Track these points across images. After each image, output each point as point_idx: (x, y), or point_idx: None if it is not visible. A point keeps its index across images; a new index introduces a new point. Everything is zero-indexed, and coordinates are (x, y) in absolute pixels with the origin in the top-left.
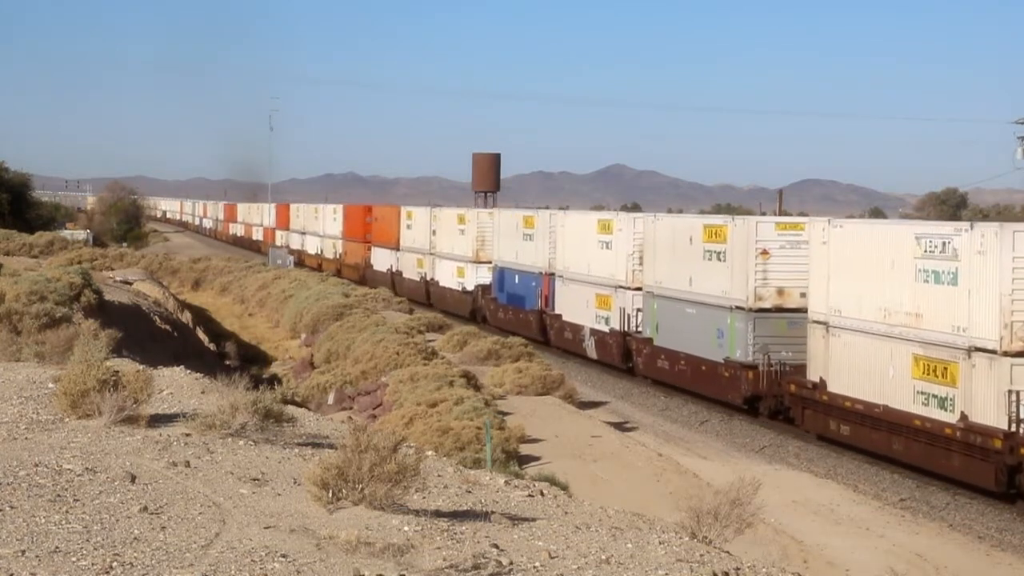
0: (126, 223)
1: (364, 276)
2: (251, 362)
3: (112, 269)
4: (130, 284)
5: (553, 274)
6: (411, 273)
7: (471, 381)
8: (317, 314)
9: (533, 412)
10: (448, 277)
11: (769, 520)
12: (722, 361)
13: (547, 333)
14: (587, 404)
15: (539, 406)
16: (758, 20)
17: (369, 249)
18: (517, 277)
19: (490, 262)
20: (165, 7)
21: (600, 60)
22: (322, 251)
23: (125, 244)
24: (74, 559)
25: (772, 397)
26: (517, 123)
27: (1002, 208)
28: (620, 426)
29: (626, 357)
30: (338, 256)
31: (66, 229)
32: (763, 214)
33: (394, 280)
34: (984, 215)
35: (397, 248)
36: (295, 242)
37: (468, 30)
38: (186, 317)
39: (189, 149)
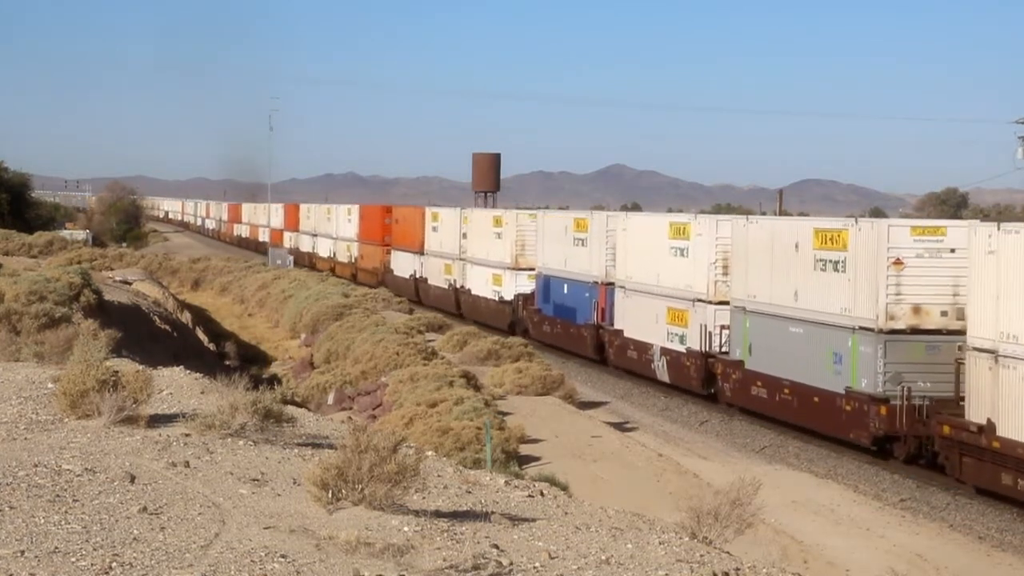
0: (126, 223)
1: (383, 281)
2: (251, 362)
3: (112, 269)
4: (130, 284)
5: (612, 284)
6: (437, 280)
7: (471, 381)
8: (317, 314)
9: (533, 412)
10: (482, 285)
11: (769, 520)
12: (842, 392)
13: (604, 351)
14: (587, 404)
15: (539, 406)
16: (758, 20)
17: (388, 253)
18: (566, 287)
19: (532, 269)
20: (165, 7)
21: (600, 60)
22: (335, 254)
23: (125, 244)
24: (73, 559)
25: (913, 438)
26: (517, 123)
27: (1002, 208)
28: (620, 426)
29: (708, 381)
30: (353, 260)
31: (65, 229)
32: (763, 214)
33: (418, 287)
34: (984, 215)
35: (421, 252)
36: (305, 244)
37: (468, 30)
38: (186, 317)
39: (189, 149)
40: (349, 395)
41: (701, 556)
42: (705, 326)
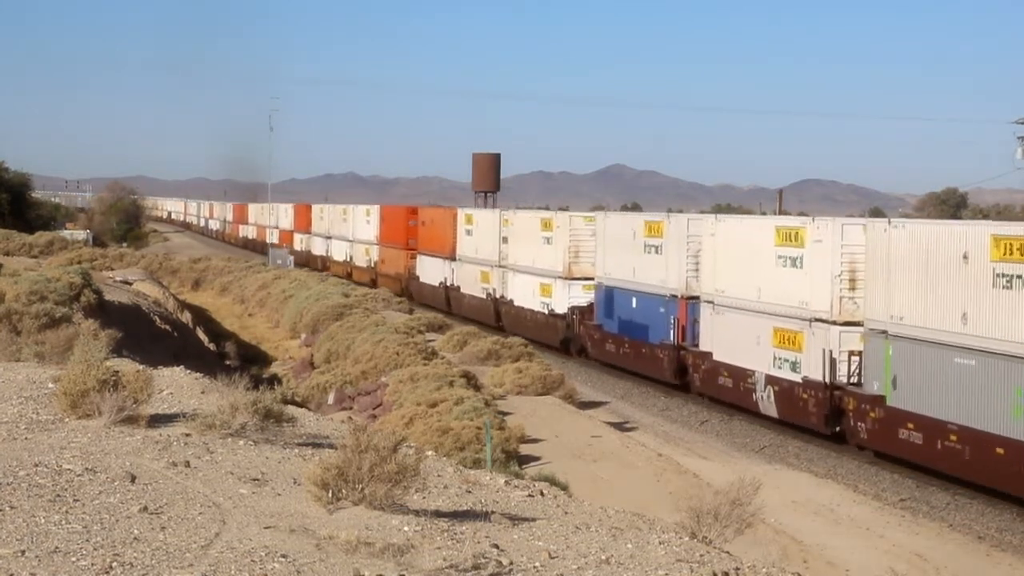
0: (126, 223)
1: (407, 288)
2: (251, 362)
3: (112, 269)
4: (130, 284)
5: (696, 298)
6: (472, 288)
7: (471, 381)
8: (317, 314)
9: (533, 412)
10: (527, 296)
11: (769, 520)
12: None
13: (687, 375)
14: (587, 404)
15: (539, 406)
16: (758, 20)
17: (413, 257)
18: (635, 300)
19: (588, 279)
20: (165, 7)
21: (600, 60)
22: (352, 258)
23: (125, 244)
24: (74, 559)
25: None
26: (517, 123)
27: (1002, 208)
28: (620, 426)
29: (832, 418)
30: (372, 264)
31: (65, 229)
32: (763, 214)
33: (449, 296)
34: (984, 215)
35: (452, 258)
36: (318, 247)
37: (468, 30)
38: (186, 317)
39: (189, 149)
40: (349, 395)
41: (701, 556)
42: (828, 351)
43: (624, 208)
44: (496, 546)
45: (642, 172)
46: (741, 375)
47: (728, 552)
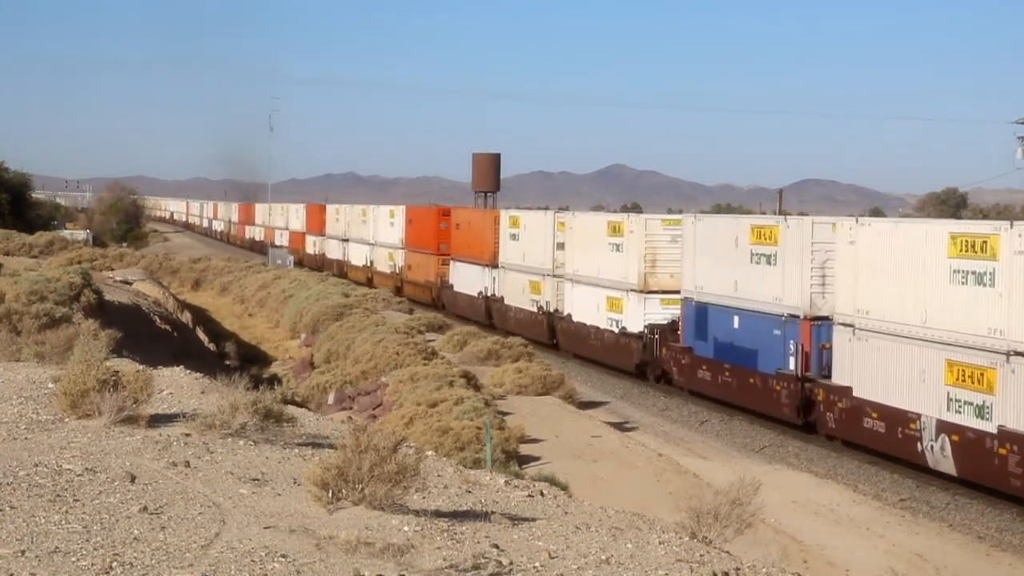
0: (126, 223)
1: (439, 297)
2: (251, 362)
3: (112, 269)
4: (130, 284)
5: (824, 319)
6: (519, 300)
7: (471, 381)
8: (317, 314)
9: (533, 412)
10: (590, 311)
11: (769, 520)
12: None
13: (814, 412)
14: (587, 404)
15: (539, 406)
16: (758, 20)
17: (446, 264)
18: (738, 319)
19: (668, 292)
20: (165, 7)
21: (600, 60)
22: (373, 263)
23: (125, 244)
24: (74, 559)
25: None
26: (517, 123)
27: (1002, 208)
28: (620, 426)
29: None
30: (397, 271)
31: (65, 229)
32: (763, 214)
33: (490, 308)
34: (984, 215)
35: (493, 265)
36: (333, 251)
37: (468, 30)
38: (186, 317)
39: (189, 149)
40: (349, 395)
41: (701, 556)
42: None
43: (624, 208)
44: (496, 546)
45: (642, 172)
46: (899, 419)
47: (728, 552)
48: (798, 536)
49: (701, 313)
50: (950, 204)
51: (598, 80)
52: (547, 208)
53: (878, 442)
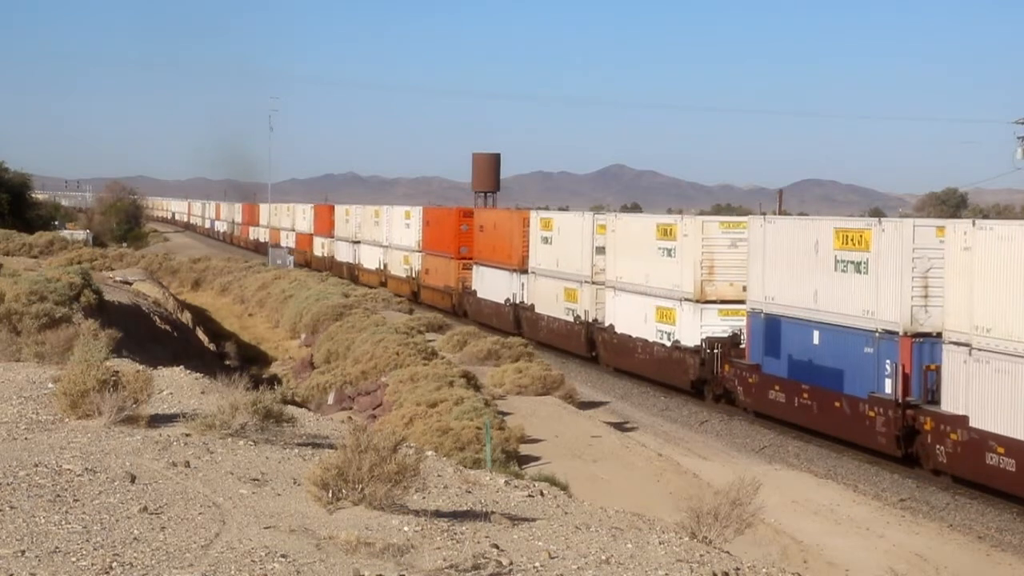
0: (126, 223)
1: (460, 304)
2: (251, 362)
3: (112, 269)
4: (130, 284)
5: (927, 336)
6: (552, 308)
7: (471, 381)
8: (317, 314)
9: (533, 412)
10: (636, 322)
11: (769, 520)
12: None
13: (917, 443)
14: (587, 404)
15: (539, 406)
16: (758, 20)
17: (467, 268)
18: (818, 334)
19: (729, 302)
20: (165, 7)
21: (600, 60)
22: (386, 267)
23: (125, 244)
24: (74, 559)
25: None
26: (517, 123)
27: (1002, 208)
28: (620, 426)
29: None
30: (414, 275)
31: (66, 229)
32: (763, 214)
33: (519, 317)
34: (984, 215)
35: (522, 270)
36: (343, 253)
37: (468, 30)
38: (186, 317)
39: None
40: (349, 395)
41: (701, 556)
42: None
43: (624, 208)
44: (496, 546)
45: (642, 172)
46: None
47: (728, 552)
48: (798, 536)
49: (772, 327)
50: (950, 204)
51: (598, 80)
52: (547, 208)
53: (1007, 482)
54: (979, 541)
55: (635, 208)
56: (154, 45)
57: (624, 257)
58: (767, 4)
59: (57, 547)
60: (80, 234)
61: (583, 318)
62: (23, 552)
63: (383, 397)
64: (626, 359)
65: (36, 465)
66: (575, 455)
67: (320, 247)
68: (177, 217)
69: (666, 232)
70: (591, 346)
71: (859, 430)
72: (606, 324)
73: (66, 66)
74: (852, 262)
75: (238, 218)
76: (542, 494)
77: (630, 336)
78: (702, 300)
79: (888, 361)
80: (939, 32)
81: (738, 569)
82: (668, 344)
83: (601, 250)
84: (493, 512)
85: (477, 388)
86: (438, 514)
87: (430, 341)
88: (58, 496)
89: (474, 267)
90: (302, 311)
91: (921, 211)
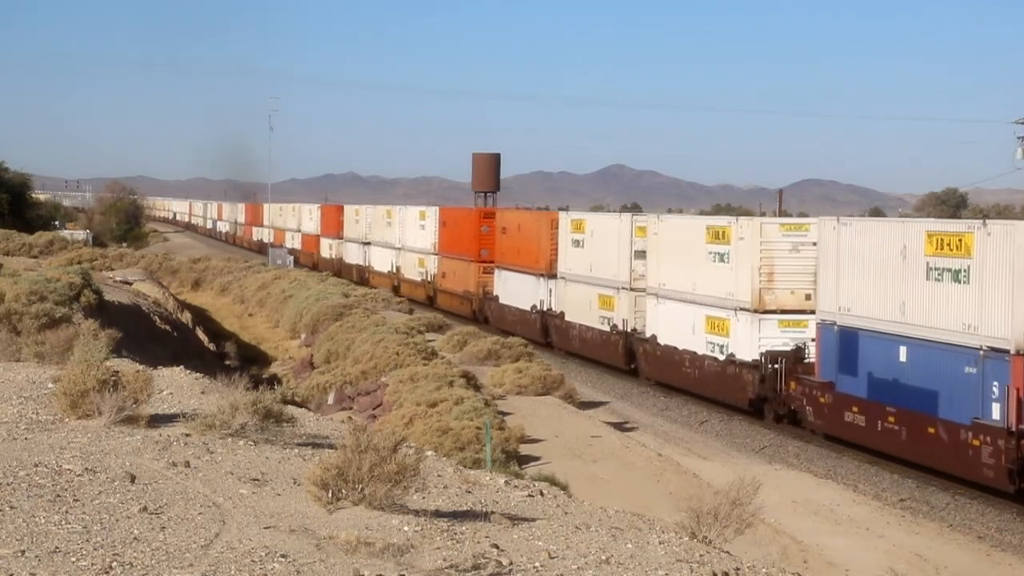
0: (126, 223)
1: (481, 310)
2: (251, 362)
3: (112, 269)
4: (130, 284)
5: None
6: (585, 317)
7: (471, 381)
8: (317, 314)
9: (533, 412)
10: (683, 333)
11: (769, 520)
12: None
13: None
14: (587, 404)
15: (539, 406)
16: (758, 20)
17: (488, 272)
18: (905, 351)
19: (791, 312)
20: (165, 7)
21: (600, 60)
22: (399, 269)
23: (125, 244)
24: (74, 559)
25: None
26: (517, 123)
27: (1002, 208)
28: (620, 426)
29: None
30: (429, 278)
31: (66, 229)
32: (763, 214)
33: (547, 325)
34: (984, 215)
35: (550, 275)
36: (352, 255)
37: (468, 30)
38: (186, 317)
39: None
40: (349, 395)
41: (701, 556)
42: None
43: (624, 208)
44: (496, 546)
45: (642, 172)
46: None
47: (728, 552)
48: (798, 536)
49: (848, 341)
50: (950, 204)
51: (598, 80)
52: (547, 208)
53: None
54: (979, 541)
55: (635, 208)
56: (154, 45)
57: (668, 262)
58: (767, 4)
59: (57, 547)
60: (80, 234)
61: (621, 327)
62: (23, 552)
63: (383, 397)
64: (671, 373)
65: (36, 465)
66: (575, 455)
67: (328, 249)
68: (178, 217)
69: (718, 235)
70: (630, 358)
71: (959, 461)
72: (647, 334)
73: (66, 66)
74: (949, 270)
75: (241, 218)
76: (542, 494)
77: (675, 348)
78: (760, 310)
79: (996, 383)
80: (939, 32)
81: (738, 569)
82: (721, 358)
83: (641, 254)
84: (493, 512)
85: (477, 388)
86: (438, 514)
87: (430, 341)
88: (58, 496)
89: (496, 271)
90: (302, 311)
91: (921, 211)
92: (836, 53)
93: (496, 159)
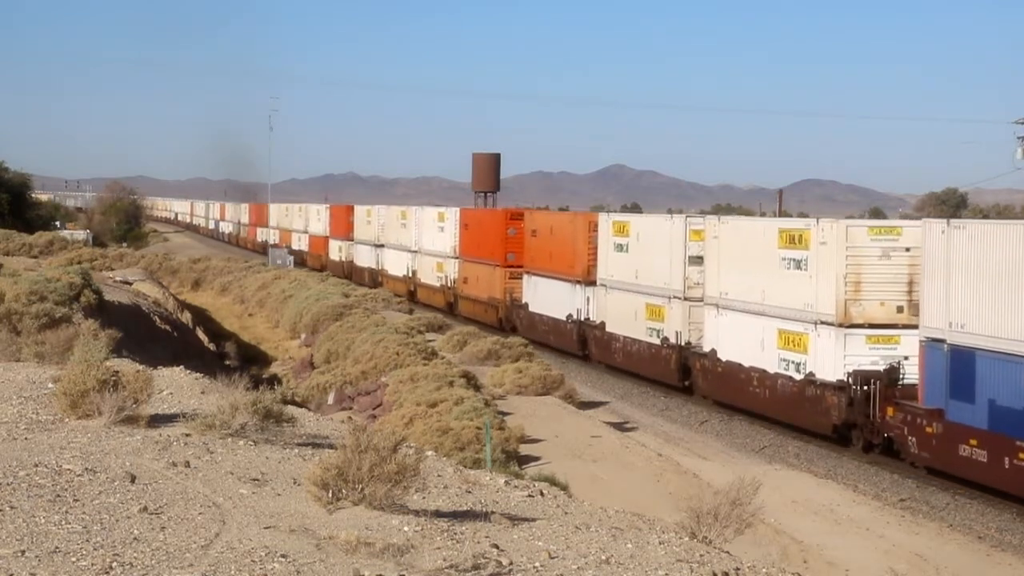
0: (126, 223)
1: (508, 318)
2: (251, 362)
3: (112, 269)
4: (130, 284)
5: None
6: (630, 328)
7: (471, 381)
8: (317, 314)
9: (533, 412)
10: (749, 348)
11: (769, 520)
12: None
13: None
14: (587, 404)
15: (539, 406)
16: (758, 20)
17: (516, 278)
18: None
19: (885, 327)
20: (165, 7)
21: (600, 60)
22: (415, 274)
23: (125, 244)
24: (74, 559)
25: None
26: (517, 123)
27: (1002, 208)
28: (620, 426)
29: None
30: (449, 283)
31: (65, 229)
32: (763, 214)
33: (585, 336)
34: (984, 215)
35: (587, 282)
36: (364, 257)
37: (468, 30)
38: (186, 317)
39: (189, 149)
40: (349, 395)
41: (701, 556)
42: None
43: (624, 208)
44: (496, 546)
45: (642, 172)
46: None
47: (728, 552)
48: (798, 536)
49: (961, 362)
50: (950, 204)
51: (598, 80)
52: (547, 208)
53: None
54: (979, 541)
55: (635, 208)
56: (154, 45)
57: (731, 269)
58: (767, 4)
59: (57, 547)
60: (80, 234)
61: (673, 340)
62: (23, 552)
63: (383, 397)
64: (734, 392)
65: (36, 465)
66: (575, 455)
67: (337, 251)
68: (179, 217)
69: (793, 239)
70: (684, 374)
71: None
72: (705, 349)
73: (66, 66)
74: None
75: (245, 219)
76: (542, 494)
77: (740, 365)
78: (846, 324)
79: None
80: (939, 32)
81: (738, 569)
82: (798, 377)
83: (697, 260)
84: (493, 512)
85: (477, 388)
86: (438, 514)
87: (430, 341)
88: (58, 496)
89: (525, 277)
90: (302, 311)
91: (921, 211)
92: (836, 53)
93: (496, 159)
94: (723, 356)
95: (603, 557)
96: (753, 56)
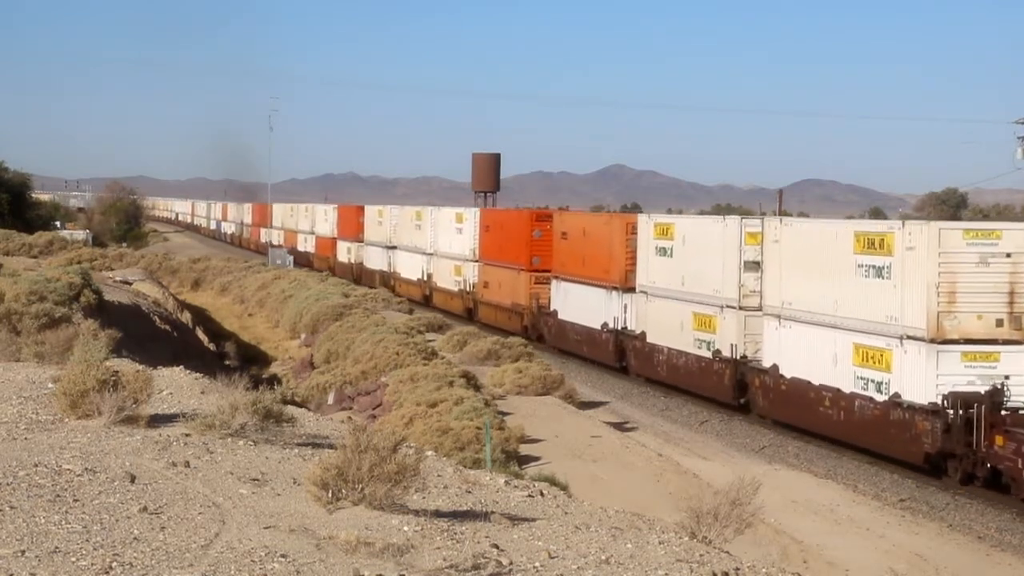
0: (126, 223)
1: (534, 326)
2: (251, 362)
3: (112, 269)
4: (130, 284)
5: None
6: (675, 339)
7: (471, 381)
8: (317, 314)
9: (533, 412)
10: (818, 365)
11: (769, 520)
12: None
13: None
14: (587, 404)
15: (539, 406)
16: (758, 20)
17: (543, 283)
18: None
19: (983, 342)
20: (165, 7)
21: (600, 60)
22: (431, 277)
23: (125, 244)
24: (74, 559)
25: None
26: (517, 123)
27: (1002, 208)
28: (620, 426)
29: None
30: (468, 288)
31: (65, 229)
32: (763, 214)
33: (623, 347)
34: (984, 215)
35: (626, 288)
36: (375, 260)
37: (468, 30)
38: (186, 317)
39: (189, 149)
40: (349, 395)
41: (701, 556)
42: None
43: (624, 208)
44: (496, 546)
45: (642, 172)
46: None
47: (728, 552)
48: (798, 536)
49: None
50: (950, 204)
51: (598, 80)
52: (546, 208)
53: None
54: (979, 541)
55: (635, 208)
56: (154, 45)
57: (796, 276)
58: (767, 4)
59: (57, 547)
60: (80, 234)
61: (726, 354)
62: (23, 552)
63: (383, 397)
64: (801, 413)
65: (36, 465)
66: (575, 455)
67: (346, 253)
68: (180, 218)
69: (873, 243)
70: (740, 391)
71: None
72: (765, 364)
73: (66, 66)
74: None
75: (247, 219)
76: (542, 494)
77: (810, 383)
78: (939, 339)
79: None
80: (939, 32)
81: (738, 569)
82: (880, 398)
83: (753, 265)
84: (493, 512)
85: (477, 388)
86: (438, 514)
87: (430, 341)
88: (58, 496)
89: (553, 282)
90: (302, 311)
91: (921, 211)
92: (836, 53)
93: (496, 159)
94: (787, 372)
95: (603, 557)
96: (753, 56)
